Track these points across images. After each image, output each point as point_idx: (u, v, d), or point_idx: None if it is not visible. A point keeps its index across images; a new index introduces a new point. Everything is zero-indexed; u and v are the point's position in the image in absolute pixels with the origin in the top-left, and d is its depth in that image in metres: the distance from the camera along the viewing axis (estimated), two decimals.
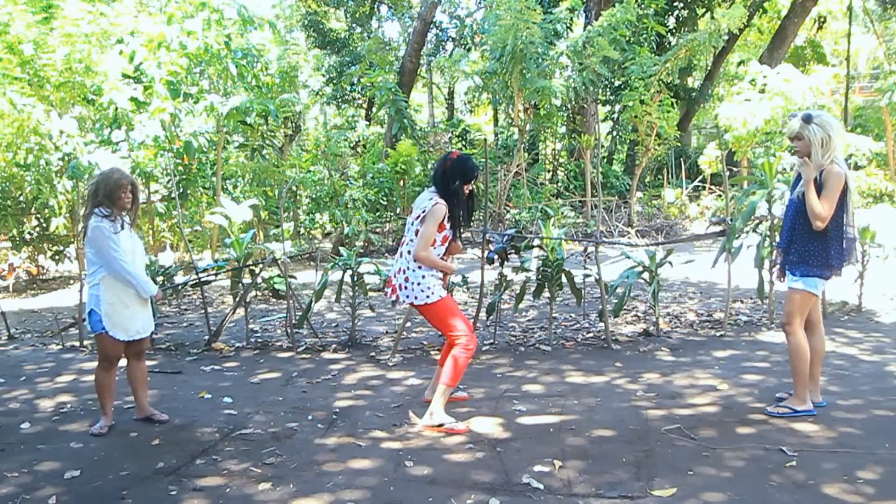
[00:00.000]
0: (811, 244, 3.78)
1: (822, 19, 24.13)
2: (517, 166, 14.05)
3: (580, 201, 15.38)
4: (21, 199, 10.60)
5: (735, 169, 16.19)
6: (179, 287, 7.53)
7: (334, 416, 4.14)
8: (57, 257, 11.74)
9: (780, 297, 7.18)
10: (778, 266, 4.10)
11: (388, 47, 23.78)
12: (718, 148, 17.65)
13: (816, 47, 25.06)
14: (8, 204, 10.57)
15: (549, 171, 19.49)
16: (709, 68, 22.49)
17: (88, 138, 9.81)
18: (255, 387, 4.83)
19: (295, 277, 6.51)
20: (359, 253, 6.19)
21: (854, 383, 4.42)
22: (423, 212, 3.88)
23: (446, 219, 3.92)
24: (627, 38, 13.33)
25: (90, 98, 10.07)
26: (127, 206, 3.96)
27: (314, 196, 14.18)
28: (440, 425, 3.84)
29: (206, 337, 6.14)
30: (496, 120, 23.14)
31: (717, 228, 6.05)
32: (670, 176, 19.32)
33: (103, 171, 4.03)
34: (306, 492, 3.13)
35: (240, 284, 6.45)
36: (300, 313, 6.04)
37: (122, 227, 3.95)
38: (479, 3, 21.94)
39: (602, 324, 5.86)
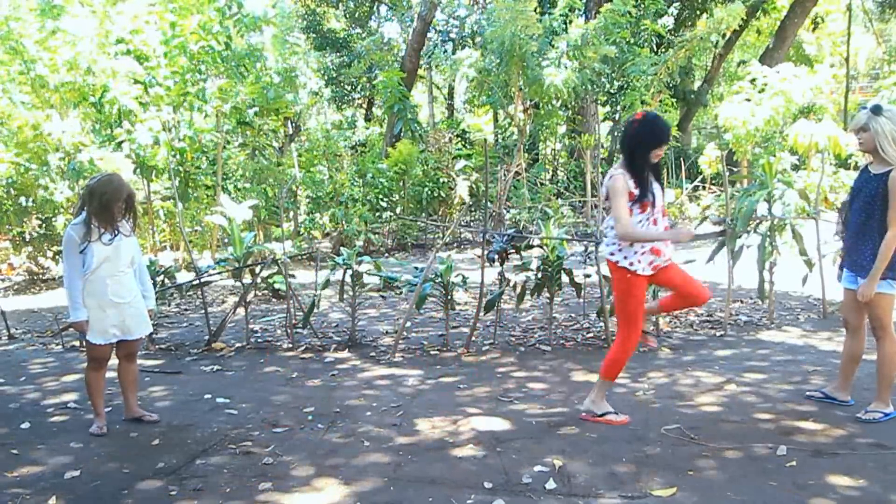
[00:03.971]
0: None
1: (815, 21, 23.92)
2: (517, 166, 14.04)
3: (580, 201, 15.37)
4: (22, 200, 10.58)
5: (735, 169, 16.17)
6: (175, 287, 7.51)
7: (335, 416, 4.14)
8: (58, 257, 11.73)
9: (780, 298, 7.20)
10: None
11: (387, 47, 23.77)
12: (718, 148, 17.64)
13: (798, 49, 24.74)
14: (9, 205, 10.56)
15: (549, 172, 19.48)
16: (709, 69, 22.49)
17: (90, 138, 9.81)
18: (256, 387, 4.83)
19: (294, 276, 6.51)
20: (359, 253, 6.17)
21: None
22: (606, 190, 3.64)
23: (633, 186, 3.58)
24: (626, 39, 13.32)
25: (92, 98, 10.07)
26: (118, 216, 3.82)
27: (314, 196, 14.19)
28: (602, 415, 3.87)
29: (207, 337, 6.14)
30: (496, 120, 23.14)
31: (717, 228, 6.05)
32: (670, 176, 19.30)
33: (102, 178, 3.85)
34: (306, 492, 3.13)
35: (240, 284, 6.44)
36: (301, 313, 6.05)
37: (111, 234, 3.80)
38: (475, 2, 21.95)
39: (602, 323, 5.86)
